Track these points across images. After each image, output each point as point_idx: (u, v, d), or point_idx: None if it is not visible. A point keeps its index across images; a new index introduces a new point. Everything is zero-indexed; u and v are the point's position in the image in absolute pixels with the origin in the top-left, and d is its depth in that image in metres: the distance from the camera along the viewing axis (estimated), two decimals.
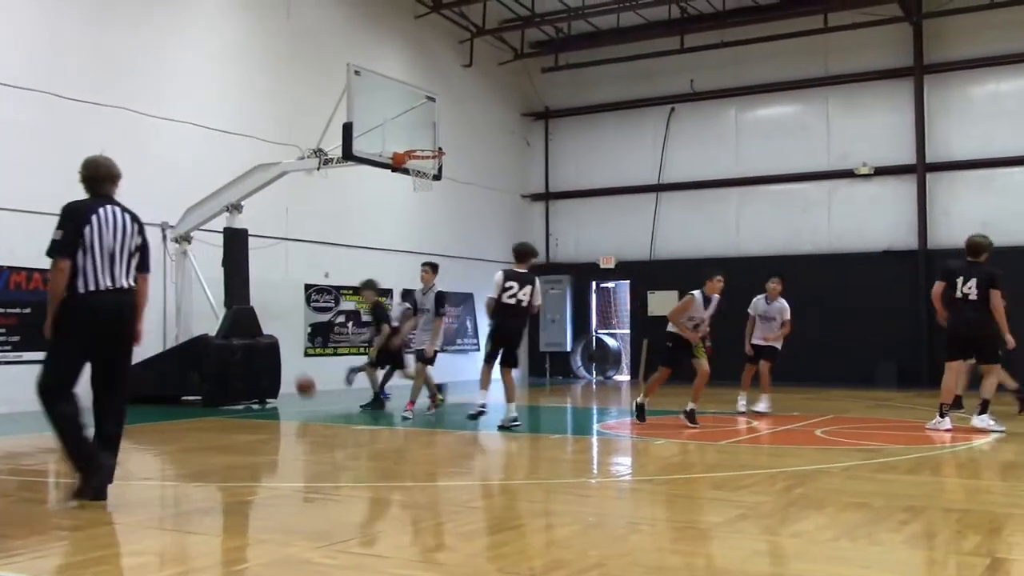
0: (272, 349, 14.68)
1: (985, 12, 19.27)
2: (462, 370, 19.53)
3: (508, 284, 11.08)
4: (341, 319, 18.89)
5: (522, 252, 11.44)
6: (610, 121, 23.54)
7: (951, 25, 19.94)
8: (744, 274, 20.19)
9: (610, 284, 23.88)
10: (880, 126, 20.61)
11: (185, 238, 15.00)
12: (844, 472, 7.75)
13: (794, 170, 21.31)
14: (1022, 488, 6.82)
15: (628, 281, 23.20)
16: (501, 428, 10.85)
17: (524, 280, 11.18)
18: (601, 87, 23.52)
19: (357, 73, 13.78)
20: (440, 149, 14.54)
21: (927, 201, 19.95)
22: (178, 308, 15.05)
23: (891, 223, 20.35)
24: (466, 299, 21.98)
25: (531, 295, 11.16)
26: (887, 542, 5.28)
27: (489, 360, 11.37)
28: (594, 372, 23.45)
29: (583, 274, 23.74)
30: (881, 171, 20.46)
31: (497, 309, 11.15)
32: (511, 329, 11.32)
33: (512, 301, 11.07)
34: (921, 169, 19.98)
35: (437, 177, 14.73)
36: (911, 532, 5.52)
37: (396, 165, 13.98)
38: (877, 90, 20.71)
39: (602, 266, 23.38)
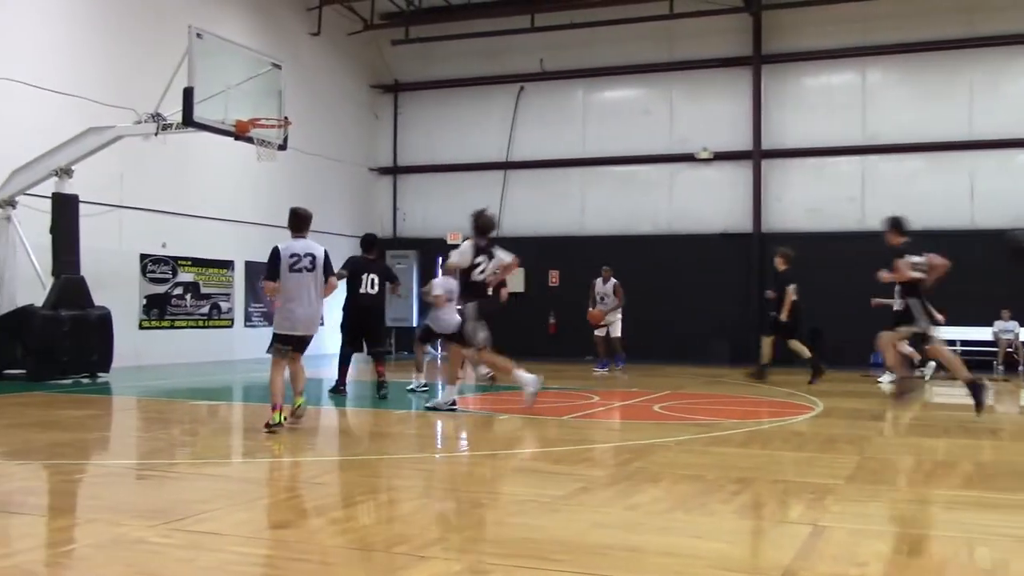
0: (104, 321, 14.09)
1: (820, 7, 20.19)
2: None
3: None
4: (179, 291, 18.25)
5: (368, 243, 11.74)
6: (460, 97, 23.52)
7: (789, 18, 20.82)
8: (588, 253, 20.70)
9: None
10: (720, 113, 21.33)
11: (9, 203, 14.17)
12: (679, 446, 8.02)
13: (638, 152, 21.83)
14: (842, 460, 7.22)
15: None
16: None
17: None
18: (452, 63, 23.46)
19: (199, 36, 13.30)
20: (286, 118, 14.23)
21: (761, 186, 20.80)
22: (0, 277, 14.21)
23: (728, 207, 21.13)
24: None
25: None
26: (718, 512, 5.50)
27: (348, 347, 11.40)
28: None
29: (430, 249, 23.66)
30: (720, 156, 21.21)
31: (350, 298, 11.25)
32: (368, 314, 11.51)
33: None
34: (757, 155, 20.81)
35: (282, 147, 14.41)
36: (741, 502, 5.76)
37: (239, 133, 13.60)
38: (718, 77, 21.41)
39: (449, 241, 23.32)
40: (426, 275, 23.70)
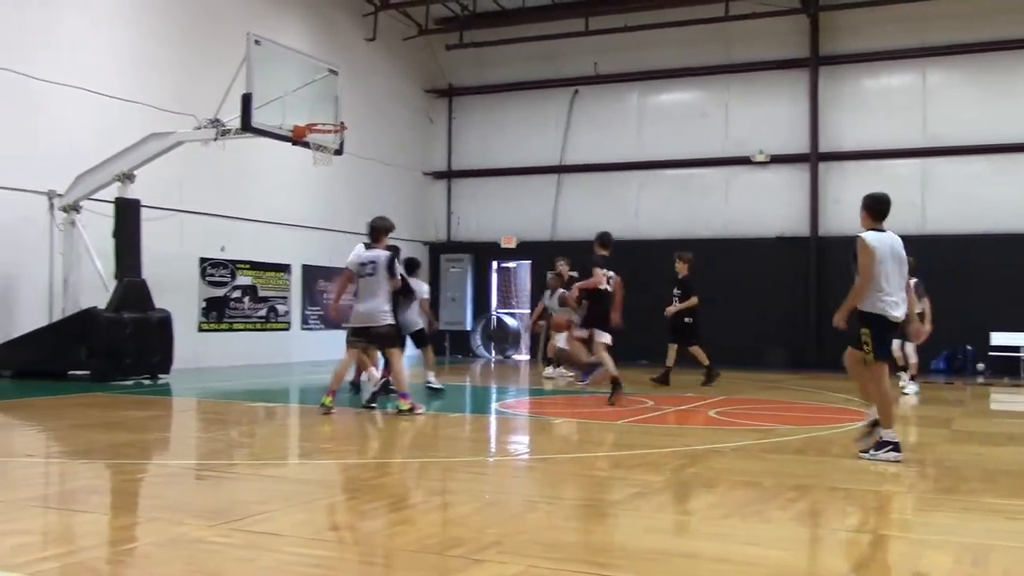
0: (164, 323, 14.32)
1: (878, 8, 19.89)
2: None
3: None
4: (237, 294, 18.52)
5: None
6: (514, 101, 23.56)
7: (846, 19, 20.55)
8: (643, 257, 20.59)
9: (511, 264, 23.96)
10: (777, 115, 21.11)
11: (73, 207, 14.48)
12: (735, 452, 7.95)
13: (693, 155, 21.69)
14: (905, 469, 7.10)
15: (529, 261, 23.30)
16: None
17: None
18: (506, 67, 23.51)
19: (257, 43, 13.46)
20: (342, 123, 14.34)
21: (819, 190, 20.55)
22: (65, 280, 14.54)
23: (785, 210, 20.91)
24: None
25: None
26: (776, 519, 5.44)
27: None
28: (493, 351, 23.54)
29: (484, 253, 23.76)
30: (777, 159, 20.98)
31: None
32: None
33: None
34: (814, 158, 20.56)
35: (338, 152, 14.53)
36: (799, 510, 5.69)
37: (296, 138, 13.74)
38: (775, 80, 21.20)
39: (503, 245, 23.44)
40: (479, 278, 23.89)
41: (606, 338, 11.57)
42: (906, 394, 12.79)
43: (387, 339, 10.45)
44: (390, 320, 10.38)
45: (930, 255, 17.22)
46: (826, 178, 20.62)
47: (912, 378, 13.61)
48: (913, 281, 13.09)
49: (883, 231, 7.71)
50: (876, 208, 7.81)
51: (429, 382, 12.75)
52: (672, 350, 14.89)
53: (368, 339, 10.44)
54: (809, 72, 20.68)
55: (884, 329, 7.51)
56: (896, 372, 13.11)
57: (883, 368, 7.56)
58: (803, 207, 20.68)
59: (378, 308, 10.22)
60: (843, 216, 20.12)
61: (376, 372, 11.45)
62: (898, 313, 7.49)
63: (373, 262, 10.27)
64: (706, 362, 14.73)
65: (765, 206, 21.06)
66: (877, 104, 20.41)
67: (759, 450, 8.04)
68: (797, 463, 7.42)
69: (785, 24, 20.75)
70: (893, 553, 4.63)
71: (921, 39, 19.90)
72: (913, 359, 13.54)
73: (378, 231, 10.55)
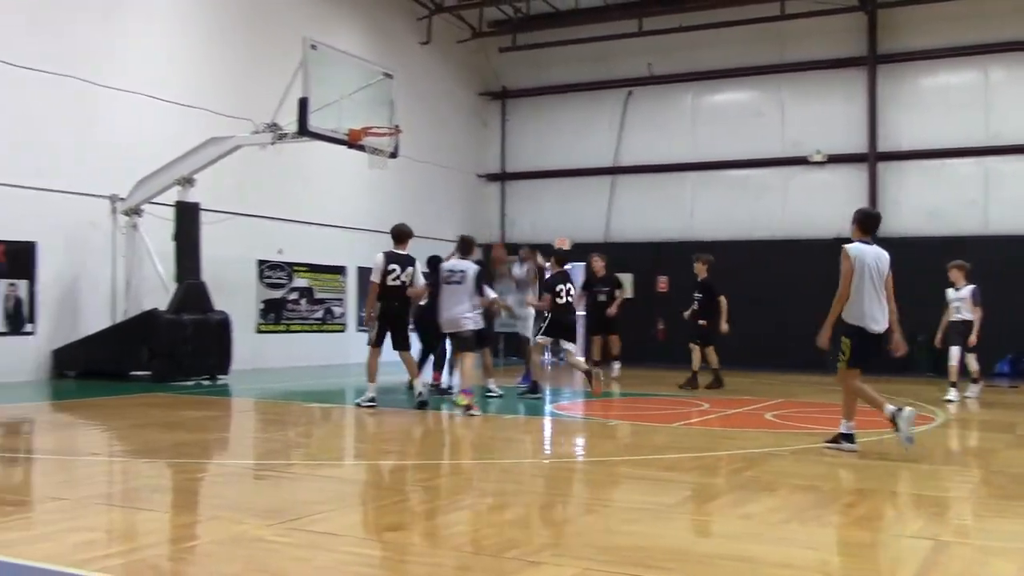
0: (223, 325, 14.54)
1: (938, 4, 19.53)
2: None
3: (390, 267, 10.96)
4: (294, 296, 18.75)
5: (400, 233, 11.31)
6: (568, 102, 23.53)
7: (905, 16, 20.20)
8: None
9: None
10: (834, 114, 20.83)
11: (135, 211, 14.76)
12: (793, 455, 7.86)
13: (749, 156, 21.49)
14: (966, 473, 6.97)
15: (583, 263, 23.20)
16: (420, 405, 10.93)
17: (405, 262, 11.11)
18: (559, 68, 23.49)
19: (313, 47, 13.62)
20: (397, 126, 14.44)
21: (878, 190, 20.23)
22: (128, 282, 14.83)
23: (842, 211, 20.35)
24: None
25: (412, 277, 11.08)
26: (835, 524, 5.37)
27: (376, 344, 11.19)
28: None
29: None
30: (834, 159, 20.69)
31: (382, 292, 11.01)
32: (397, 311, 11.17)
33: (396, 283, 10.98)
34: (872, 158, 20.25)
35: (393, 155, 14.62)
36: (858, 515, 5.61)
37: (352, 142, 13.87)
38: (831, 78, 20.91)
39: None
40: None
41: (570, 347, 13.00)
42: (950, 401, 12.50)
43: (468, 343, 11.22)
44: (472, 325, 11.18)
45: (992, 256, 16.90)
46: (885, 178, 20.29)
47: (975, 381, 13.30)
48: (970, 288, 12.90)
49: (870, 244, 8.19)
50: (866, 222, 8.49)
51: (490, 390, 12.60)
52: (696, 352, 14.65)
53: (454, 343, 11.31)
54: (867, 70, 20.36)
55: (863, 340, 7.87)
56: (951, 385, 12.81)
57: (855, 373, 7.98)
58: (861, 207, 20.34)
59: (462, 314, 11.10)
60: (902, 217, 19.77)
61: (419, 381, 11.43)
62: (878, 327, 7.87)
63: (462, 271, 11.20)
64: (716, 366, 14.51)
65: (822, 207, 20.76)
66: (936, 102, 20.02)
67: (817, 453, 7.94)
68: (856, 467, 7.31)
69: (841, 22, 20.46)
70: (956, 560, 4.55)
71: (982, 35, 19.48)
72: (974, 366, 13.22)
73: (469, 244, 11.70)
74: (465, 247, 11.66)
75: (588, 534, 5.07)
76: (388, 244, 11.45)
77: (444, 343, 12.98)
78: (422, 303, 12.28)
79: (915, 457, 7.53)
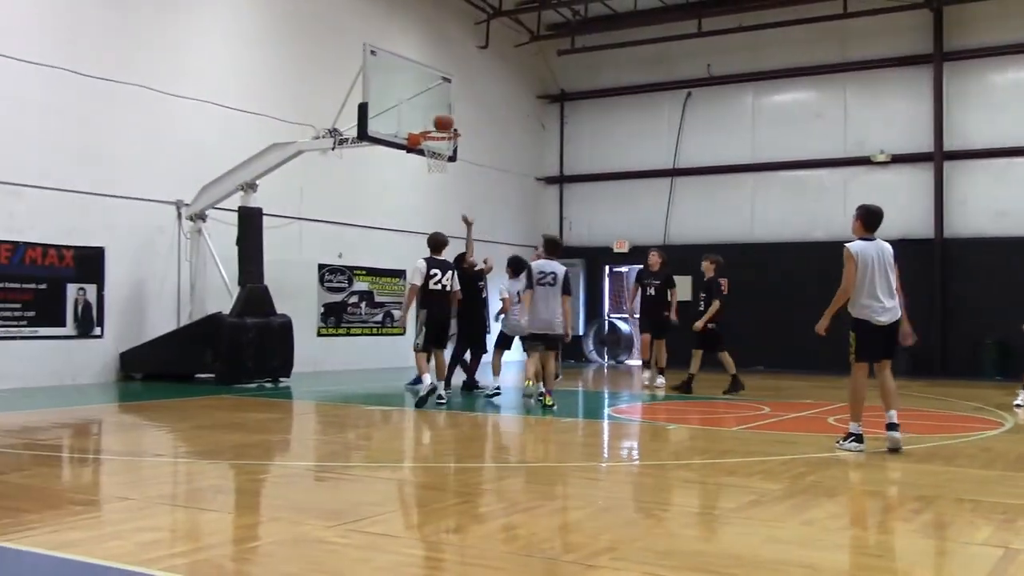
0: (285, 328, 14.72)
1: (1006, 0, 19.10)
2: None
3: (432, 272, 11.54)
4: (354, 299, 18.93)
5: (438, 242, 11.87)
6: (626, 105, 23.44)
7: (972, 12, 19.75)
8: (758, 261, 20.25)
9: (623, 268, 23.81)
10: (897, 113, 20.47)
11: (200, 216, 15.03)
12: (856, 460, 7.73)
13: (810, 156, 21.20)
14: None
15: (641, 265, 23.09)
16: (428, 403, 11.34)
17: (445, 267, 11.74)
18: (617, 71, 23.41)
19: (373, 53, 13.75)
20: (455, 130, 14.49)
21: (944, 190, 19.81)
22: (192, 286, 15.11)
23: (907, 211, 20.17)
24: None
25: (451, 281, 11.73)
26: (900, 531, 5.27)
27: (426, 347, 11.52)
28: (606, 356, 23.45)
29: (596, 258, 23.69)
30: (898, 159, 20.32)
31: (426, 296, 11.52)
32: (441, 314, 11.68)
33: (438, 287, 11.57)
34: (938, 157, 19.83)
35: (452, 159, 14.68)
36: (923, 521, 5.50)
37: (411, 146, 13.96)
38: (895, 77, 20.55)
39: (615, 250, 23.33)
40: (592, 283, 23.84)
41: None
42: (1020, 406, 12.17)
43: (558, 343, 11.72)
44: (561, 328, 11.47)
45: None
46: (951, 178, 19.87)
47: None
48: None
49: (872, 240, 8.39)
50: (868, 219, 8.65)
51: (542, 393, 12.54)
52: (697, 356, 13.91)
53: (545, 343, 11.45)
54: (932, 68, 19.96)
55: (868, 333, 8.10)
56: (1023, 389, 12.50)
57: (862, 367, 8.24)
58: (926, 208, 19.95)
59: (555, 315, 11.37)
60: (969, 217, 19.36)
61: (427, 378, 11.52)
62: (883, 319, 8.07)
63: (553, 273, 11.43)
64: (733, 370, 13.81)
65: (886, 207, 19.60)
66: (1005, 100, 19.56)
67: (881, 458, 7.80)
68: (922, 473, 7.17)
69: (905, 19, 20.10)
70: None
71: None
72: None
73: (556, 244, 12.06)
74: (551, 247, 11.93)
75: (647, 538, 5.04)
76: (449, 248, 11.87)
77: (483, 345, 13.56)
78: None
79: (982, 463, 7.35)
